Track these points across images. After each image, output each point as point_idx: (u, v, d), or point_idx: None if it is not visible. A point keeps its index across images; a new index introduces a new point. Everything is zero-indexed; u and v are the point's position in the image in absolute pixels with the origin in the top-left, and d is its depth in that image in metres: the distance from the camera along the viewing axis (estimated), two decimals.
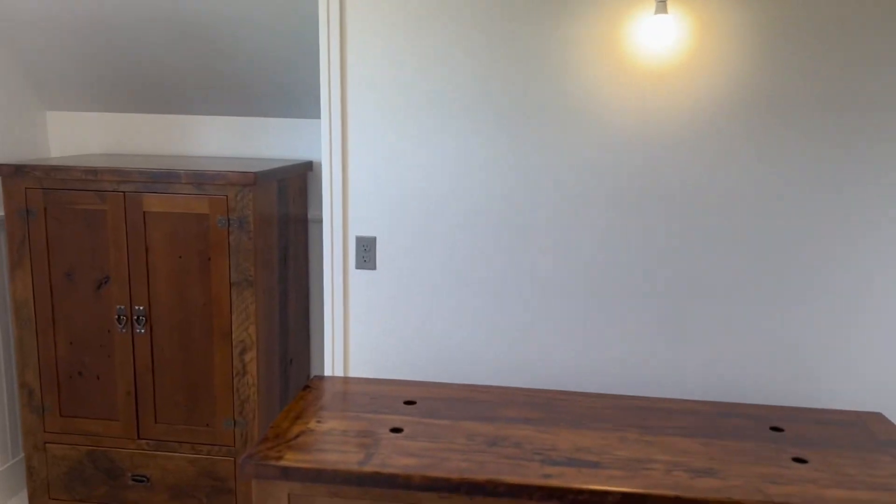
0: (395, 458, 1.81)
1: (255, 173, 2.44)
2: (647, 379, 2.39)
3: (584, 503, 1.68)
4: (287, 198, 2.81)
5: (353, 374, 2.54)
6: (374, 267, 2.49)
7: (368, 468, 1.75)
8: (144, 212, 2.53)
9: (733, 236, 2.28)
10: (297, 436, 1.92)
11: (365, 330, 2.52)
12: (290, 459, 1.79)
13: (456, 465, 1.77)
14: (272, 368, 2.75)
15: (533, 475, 1.72)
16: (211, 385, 2.62)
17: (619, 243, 2.33)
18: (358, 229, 2.48)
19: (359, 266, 2.49)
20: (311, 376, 3.20)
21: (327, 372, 2.55)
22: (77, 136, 3.14)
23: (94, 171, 2.50)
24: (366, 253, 2.48)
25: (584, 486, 1.68)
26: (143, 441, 2.67)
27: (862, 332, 2.29)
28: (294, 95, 2.91)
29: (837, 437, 1.99)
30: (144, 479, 2.68)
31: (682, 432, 1.99)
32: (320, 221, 3.08)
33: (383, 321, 2.50)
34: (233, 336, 2.57)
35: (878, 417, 2.13)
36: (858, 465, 1.83)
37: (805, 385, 2.34)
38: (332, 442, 1.89)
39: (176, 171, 2.48)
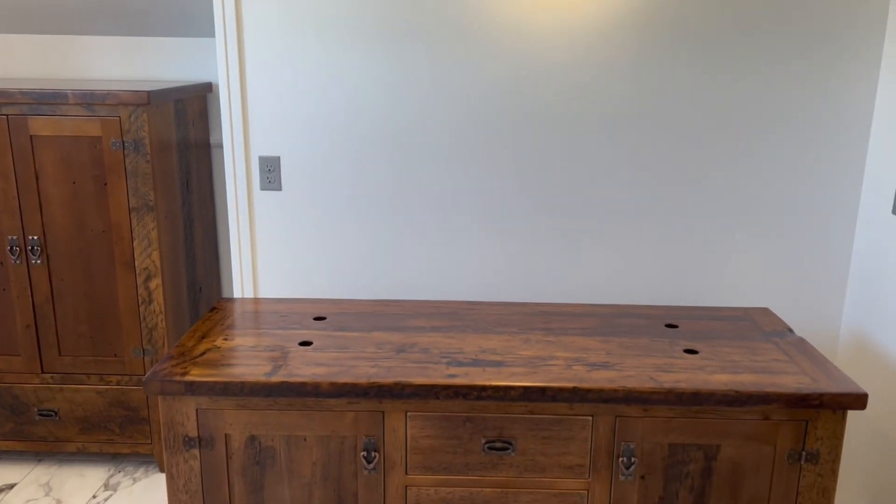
0: (304, 368, 1.82)
1: (148, 92, 2.34)
2: (552, 288, 2.46)
3: (488, 398, 1.74)
4: (186, 120, 2.71)
5: (262, 296, 2.52)
6: (279, 188, 2.45)
7: (276, 378, 1.76)
8: (31, 136, 2.40)
9: (625, 146, 2.34)
10: (204, 353, 1.91)
11: (273, 252, 2.49)
12: (196, 374, 1.78)
13: (364, 371, 1.80)
14: (180, 295, 2.70)
15: (438, 376, 1.77)
16: (116, 314, 2.55)
17: (517, 159, 2.36)
18: (261, 149, 2.42)
19: (263, 187, 2.45)
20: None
21: (236, 295, 2.52)
22: None
23: None
24: (270, 173, 2.44)
25: (488, 383, 1.74)
26: (48, 375, 2.60)
27: (754, 235, 2.41)
28: (190, 13, 2.78)
29: (727, 330, 2.11)
30: (52, 413, 2.62)
31: (582, 332, 2.07)
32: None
33: (292, 242, 2.48)
34: (136, 263, 2.50)
35: (764, 311, 2.27)
36: (744, 352, 1.95)
37: (700, 286, 2.46)
38: (239, 357, 1.89)
39: (63, 91, 2.35)
